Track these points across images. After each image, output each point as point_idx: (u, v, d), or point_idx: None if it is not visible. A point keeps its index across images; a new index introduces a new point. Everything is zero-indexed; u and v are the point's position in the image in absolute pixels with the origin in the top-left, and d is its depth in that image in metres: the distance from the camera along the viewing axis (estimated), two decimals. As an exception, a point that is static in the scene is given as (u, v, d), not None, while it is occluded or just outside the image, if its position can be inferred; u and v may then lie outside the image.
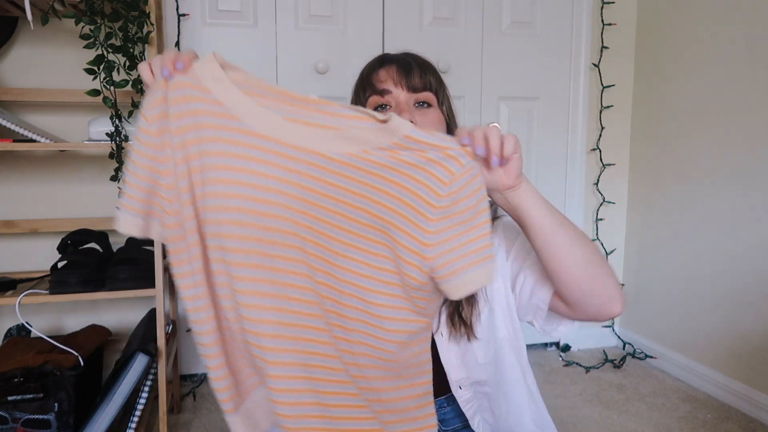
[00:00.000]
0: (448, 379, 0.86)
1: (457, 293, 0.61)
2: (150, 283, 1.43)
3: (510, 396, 0.88)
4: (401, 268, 0.61)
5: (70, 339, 1.48)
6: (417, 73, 0.86)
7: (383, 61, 0.90)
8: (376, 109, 0.86)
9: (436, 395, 0.89)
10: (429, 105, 0.87)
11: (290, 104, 0.63)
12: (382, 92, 0.85)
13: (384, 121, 0.61)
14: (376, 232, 0.61)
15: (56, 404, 1.31)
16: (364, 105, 0.87)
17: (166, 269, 1.71)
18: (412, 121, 0.79)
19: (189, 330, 1.90)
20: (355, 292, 0.63)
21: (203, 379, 1.94)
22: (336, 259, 0.63)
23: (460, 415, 0.90)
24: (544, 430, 0.89)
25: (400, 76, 0.85)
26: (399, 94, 0.85)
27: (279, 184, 0.62)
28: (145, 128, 0.65)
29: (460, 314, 0.84)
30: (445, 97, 0.89)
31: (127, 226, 0.67)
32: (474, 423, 0.88)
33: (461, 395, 0.87)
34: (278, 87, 0.64)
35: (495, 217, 0.87)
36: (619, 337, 2.30)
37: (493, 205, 0.87)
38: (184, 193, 0.65)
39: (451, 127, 0.90)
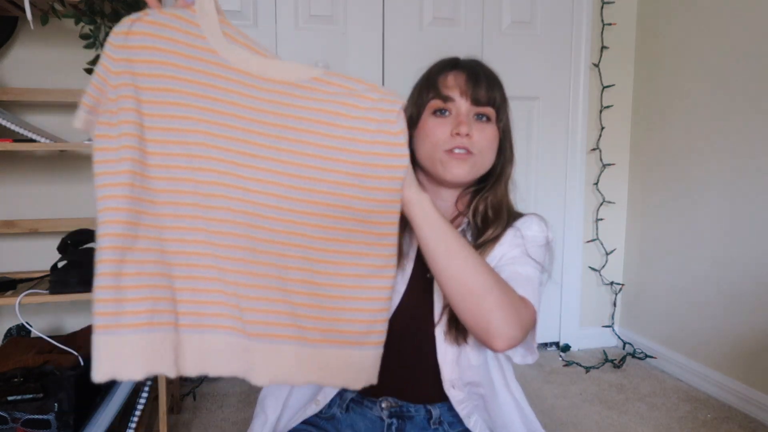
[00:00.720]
0: (442, 377, 0.87)
1: None
2: (150, 283, 1.43)
3: (498, 397, 0.91)
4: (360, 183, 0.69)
5: (70, 339, 1.48)
6: (484, 85, 0.86)
7: (453, 65, 0.90)
8: (435, 113, 0.87)
9: (432, 401, 0.89)
10: (488, 119, 0.87)
11: (259, 52, 0.69)
12: (446, 98, 0.86)
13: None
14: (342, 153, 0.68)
15: (56, 404, 1.31)
16: (423, 105, 0.88)
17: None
18: (468, 134, 0.83)
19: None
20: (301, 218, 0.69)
21: (203, 378, 1.94)
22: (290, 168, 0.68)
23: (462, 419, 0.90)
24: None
25: (468, 86, 0.86)
26: (461, 105, 0.86)
27: (248, 112, 0.67)
28: (123, 36, 0.66)
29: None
30: (504, 114, 0.90)
31: (79, 121, 0.68)
32: (470, 422, 0.89)
33: (455, 395, 0.87)
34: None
35: (507, 226, 0.89)
36: (619, 337, 2.30)
37: (508, 214, 0.90)
38: (126, 101, 0.65)
39: (504, 144, 0.90)
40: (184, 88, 0.66)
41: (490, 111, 0.87)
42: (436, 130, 0.85)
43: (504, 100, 0.89)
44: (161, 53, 0.65)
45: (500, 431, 0.91)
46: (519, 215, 0.93)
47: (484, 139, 0.86)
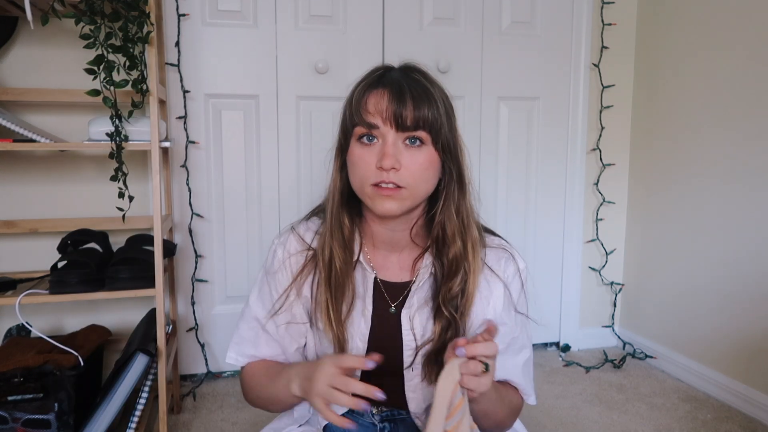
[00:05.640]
0: (408, 408, 0.88)
1: None
2: (150, 283, 1.43)
3: None
4: None
5: (70, 339, 1.48)
6: (410, 107, 0.75)
7: (376, 83, 0.79)
8: (360, 139, 0.78)
9: (394, 405, 0.90)
10: (422, 142, 0.77)
11: None
12: (369, 126, 0.76)
13: None
14: None
15: (56, 404, 1.31)
16: (349, 132, 0.80)
17: (166, 269, 1.71)
18: (394, 167, 0.74)
19: (189, 330, 1.91)
20: None
21: (203, 379, 1.94)
22: None
23: None
24: None
25: (390, 111, 0.75)
26: (387, 133, 0.76)
27: None
28: None
29: (437, 357, 0.83)
30: (442, 132, 0.78)
31: None
32: None
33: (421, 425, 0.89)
34: None
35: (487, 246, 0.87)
36: (619, 337, 2.30)
37: (472, 242, 0.85)
38: None
39: (447, 165, 0.81)
40: None
41: (421, 134, 0.76)
42: (361, 162, 0.77)
43: (441, 114, 0.77)
44: None
45: None
46: (487, 235, 0.89)
47: (415, 168, 0.76)
